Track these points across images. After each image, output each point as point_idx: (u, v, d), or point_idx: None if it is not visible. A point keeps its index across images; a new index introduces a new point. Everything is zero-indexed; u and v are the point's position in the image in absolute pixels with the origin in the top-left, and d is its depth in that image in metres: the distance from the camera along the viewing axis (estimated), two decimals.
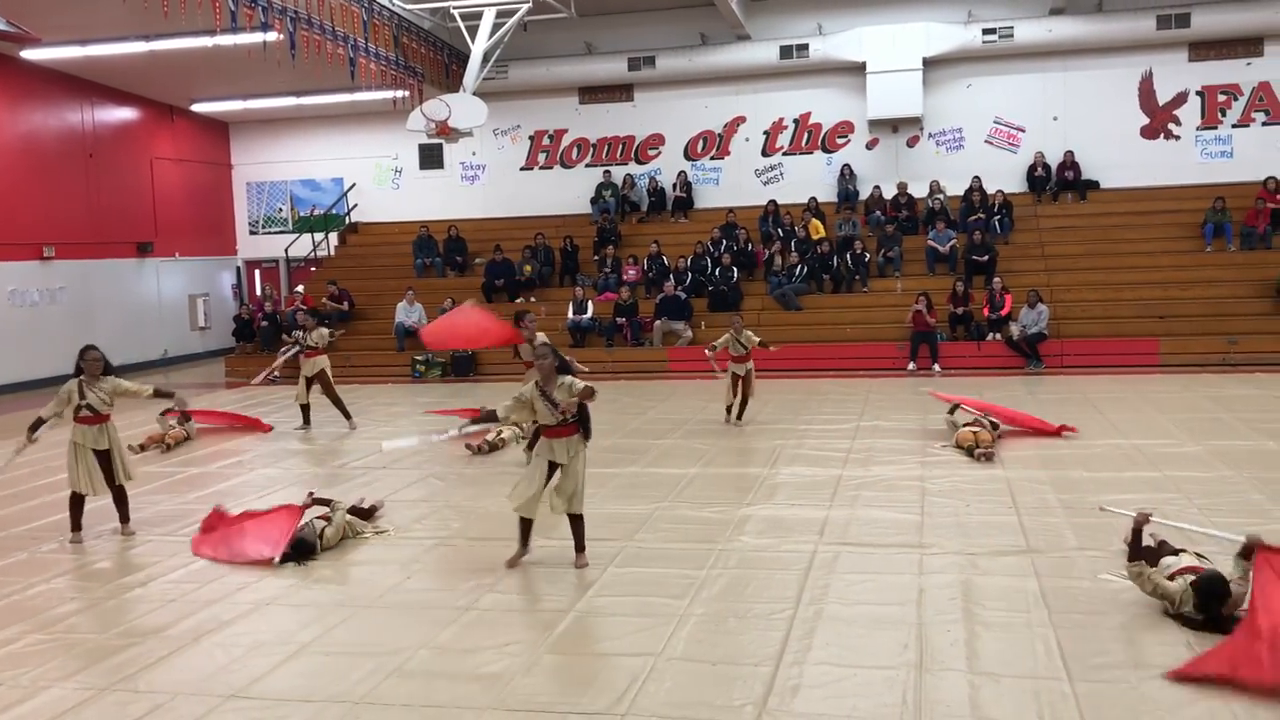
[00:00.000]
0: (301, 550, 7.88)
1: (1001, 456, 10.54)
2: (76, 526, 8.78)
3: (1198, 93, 21.04)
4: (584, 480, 7.58)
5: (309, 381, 14.00)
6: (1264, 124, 20.82)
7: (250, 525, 8.30)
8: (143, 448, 12.54)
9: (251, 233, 26.28)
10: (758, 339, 13.19)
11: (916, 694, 5.26)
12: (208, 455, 12.49)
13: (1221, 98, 20.96)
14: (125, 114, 22.94)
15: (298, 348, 14.09)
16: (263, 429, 13.97)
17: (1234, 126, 20.95)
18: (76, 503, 8.78)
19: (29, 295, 20.01)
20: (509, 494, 7.67)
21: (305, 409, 14.07)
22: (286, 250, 25.17)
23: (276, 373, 15.63)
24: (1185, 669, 5.39)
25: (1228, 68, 20.84)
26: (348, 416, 13.98)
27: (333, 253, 24.91)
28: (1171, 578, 6.18)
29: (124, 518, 8.90)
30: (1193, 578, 6.03)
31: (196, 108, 24.24)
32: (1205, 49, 20.83)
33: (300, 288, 22.63)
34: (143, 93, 22.85)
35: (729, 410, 13.18)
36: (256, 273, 26.36)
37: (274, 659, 6.01)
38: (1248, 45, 20.66)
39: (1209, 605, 5.88)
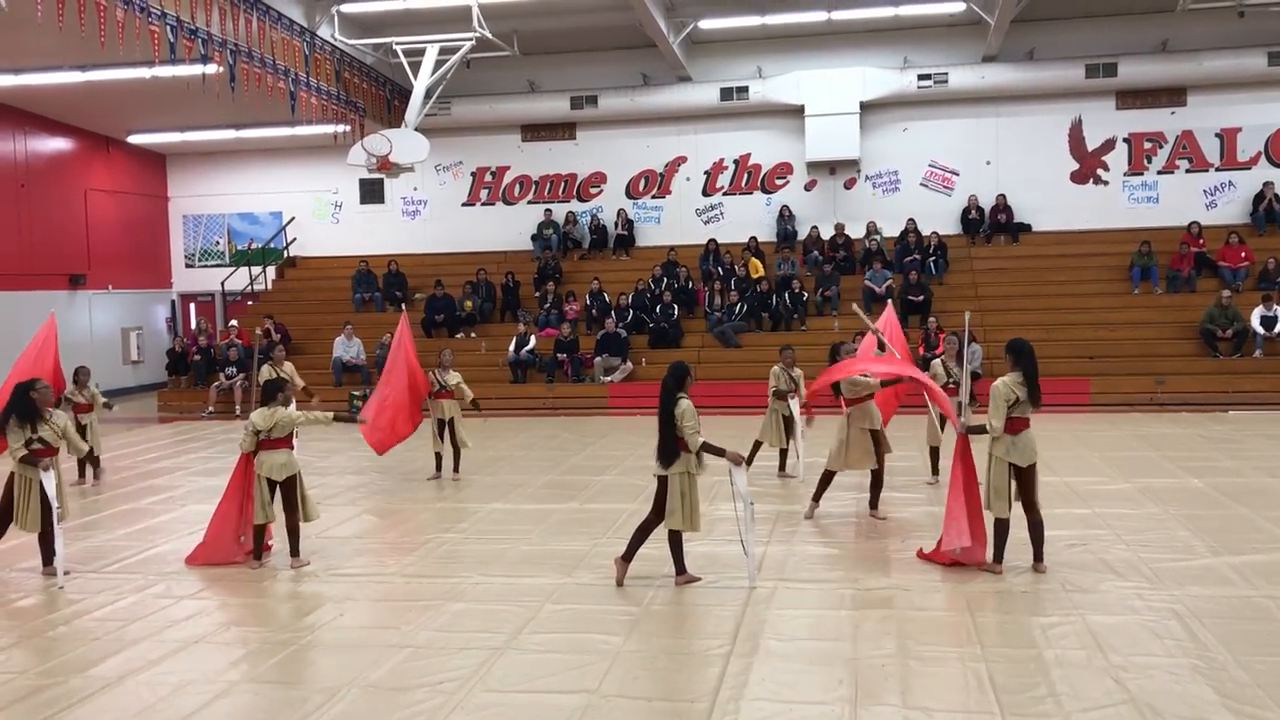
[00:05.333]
0: None
1: (938, 493, 10.66)
2: None
3: (1125, 140, 21.68)
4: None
5: None
6: (1187, 171, 21.49)
7: None
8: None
9: (187, 266, 25.92)
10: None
11: None
12: (137, 491, 12.23)
13: (1147, 145, 21.60)
14: (59, 144, 22.58)
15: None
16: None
17: (1159, 173, 21.60)
18: None
19: None
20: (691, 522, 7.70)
21: None
22: (223, 284, 24.87)
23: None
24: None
25: (1153, 116, 21.51)
26: None
27: (270, 287, 24.64)
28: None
29: (48, 558, 8.60)
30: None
31: (133, 139, 23.94)
32: (1132, 98, 21.49)
33: (234, 322, 22.36)
34: (78, 123, 22.53)
35: (784, 457, 12.02)
36: (192, 306, 25.98)
37: (202, 698, 5.88)
38: (1172, 95, 21.34)
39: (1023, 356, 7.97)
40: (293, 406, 8.91)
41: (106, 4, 13.45)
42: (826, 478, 9.87)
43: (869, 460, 9.69)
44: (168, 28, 14.51)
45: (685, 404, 7.54)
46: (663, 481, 7.64)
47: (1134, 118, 21.58)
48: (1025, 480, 7.81)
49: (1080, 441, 13.79)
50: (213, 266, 25.61)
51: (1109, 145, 21.73)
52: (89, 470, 12.84)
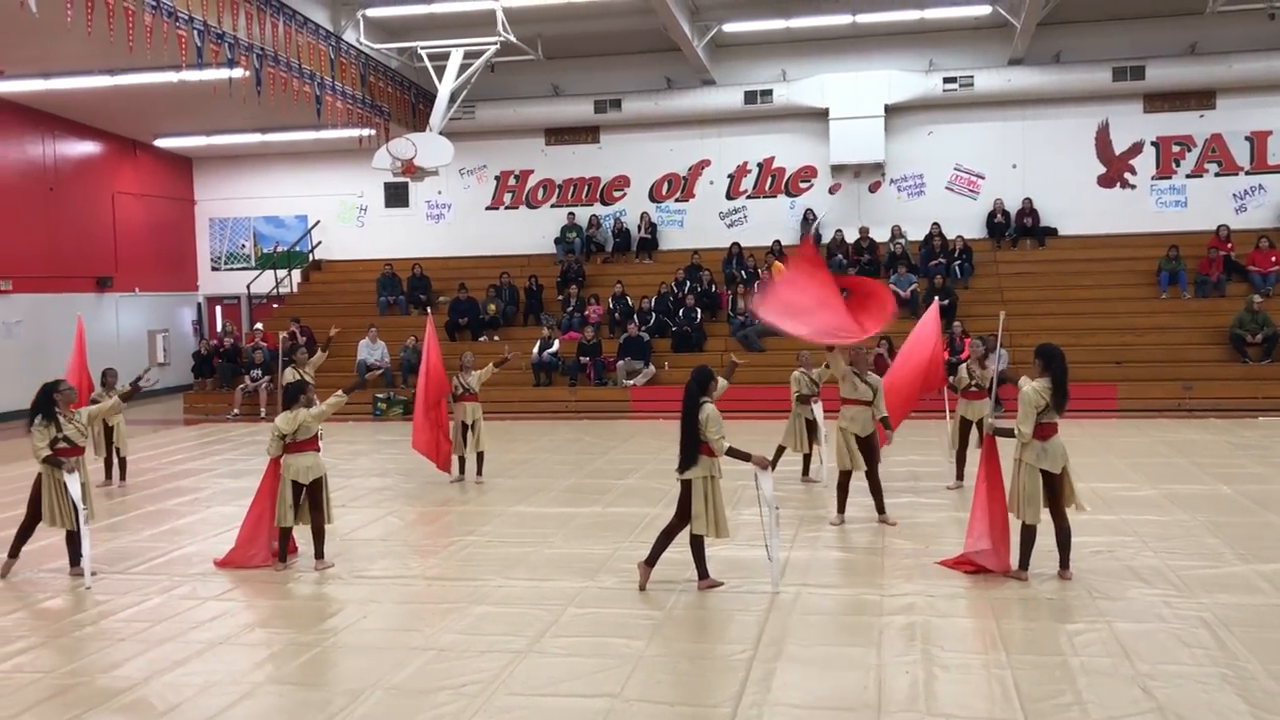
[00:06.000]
0: None
1: (963, 499, 10.60)
2: (15, 554, 8.69)
3: (1153, 143, 21.51)
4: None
5: None
6: (1216, 175, 21.31)
7: None
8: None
9: (213, 269, 26.11)
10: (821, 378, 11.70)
11: None
12: (163, 492, 12.32)
13: (1176, 148, 21.42)
14: (87, 148, 22.78)
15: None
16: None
17: (1188, 176, 21.42)
18: (26, 533, 8.66)
19: None
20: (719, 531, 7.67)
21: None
22: (249, 287, 25.03)
23: None
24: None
25: (1182, 119, 21.34)
26: None
27: (295, 290, 24.78)
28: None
29: (75, 558, 8.67)
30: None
31: (160, 142, 24.13)
32: (1160, 101, 21.33)
33: (259, 325, 22.49)
34: (105, 127, 22.72)
35: (807, 462, 12.01)
36: (218, 309, 26.17)
37: (226, 699, 5.91)
38: (1200, 98, 21.16)
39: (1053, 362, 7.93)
40: (315, 405, 8.94)
41: (135, 9, 13.55)
42: (841, 482, 9.84)
43: (844, 461, 9.72)
44: (195, 32, 14.61)
45: (709, 409, 7.51)
46: (686, 486, 7.62)
47: (1162, 121, 21.42)
48: (1054, 487, 7.73)
49: (1107, 447, 13.68)
50: (238, 269, 25.78)
51: (1136, 149, 21.57)
52: (115, 471, 12.94)
